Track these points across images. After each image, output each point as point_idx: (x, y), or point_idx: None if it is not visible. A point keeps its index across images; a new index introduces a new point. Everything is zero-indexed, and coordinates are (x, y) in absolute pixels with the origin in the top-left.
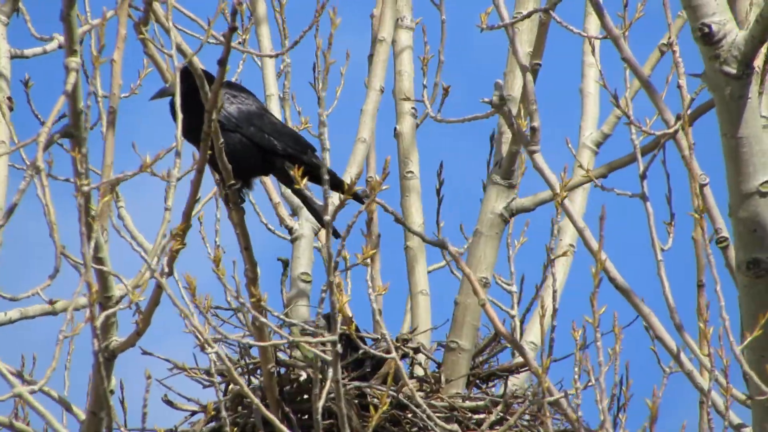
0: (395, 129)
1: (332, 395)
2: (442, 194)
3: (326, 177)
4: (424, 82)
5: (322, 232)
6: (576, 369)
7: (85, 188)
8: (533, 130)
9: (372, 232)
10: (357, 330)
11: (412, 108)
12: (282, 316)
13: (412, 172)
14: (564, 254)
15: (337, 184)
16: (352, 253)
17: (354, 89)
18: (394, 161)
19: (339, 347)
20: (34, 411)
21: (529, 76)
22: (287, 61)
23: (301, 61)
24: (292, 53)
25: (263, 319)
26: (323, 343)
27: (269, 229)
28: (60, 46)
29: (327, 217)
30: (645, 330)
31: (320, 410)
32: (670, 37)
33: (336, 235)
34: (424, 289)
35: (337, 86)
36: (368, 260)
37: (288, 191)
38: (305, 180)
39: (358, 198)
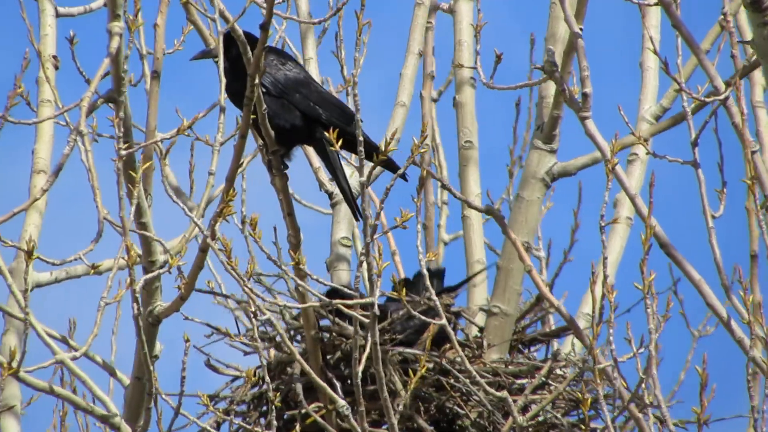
0: (454, 98)
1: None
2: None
3: (361, 138)
4: (477, 48)
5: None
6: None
7: (123, 152)
8: (584, 96)
9: (421, 197)
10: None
11: (471, 78)
12: (321, 280)
13: (470, 141)
14: (615, 221)
15: (372, 152)
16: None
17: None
18: (453, 131)
19: (377, 310)
20: (77, 378)
21: (581, 42)
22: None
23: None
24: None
25: (303, 284)
26: (363, 307)
27: (300, 202)
28: (105, 4)
29: (362, 179)
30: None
31: (360, 374)
32: (724, 8)
33: (356, 216)
34: (481, 258)
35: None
36: (419, 226)
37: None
38: (339, 143)
39: (394, 167)
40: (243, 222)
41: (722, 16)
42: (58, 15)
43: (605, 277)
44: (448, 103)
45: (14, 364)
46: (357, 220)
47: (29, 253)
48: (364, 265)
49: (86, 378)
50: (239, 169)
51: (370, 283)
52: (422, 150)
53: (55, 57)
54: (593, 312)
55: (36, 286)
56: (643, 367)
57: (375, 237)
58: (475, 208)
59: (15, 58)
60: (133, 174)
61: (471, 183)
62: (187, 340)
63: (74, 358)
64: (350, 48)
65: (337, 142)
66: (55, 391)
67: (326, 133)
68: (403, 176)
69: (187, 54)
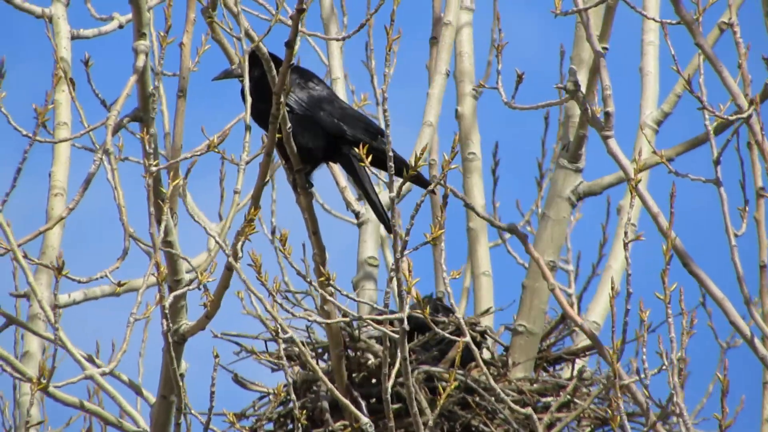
0: (456, 110)
1: (400, 378)
2: (497, 174)
3: (390, 154)
4: (499, 68)
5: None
6: (644, 350)
7: (154, 168)
8: (607, 115)
9: (439, 214)
10: (432, 310)
11: (473, 89)
12: (351, 296)
13: (473, 153)
14: (638, 238)
15: (402, 168)
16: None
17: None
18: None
19: (406, 326)
20: (106, 393)
21: (603, 62)
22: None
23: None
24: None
25: (330, 298)
26: (391, 322)
27: (331, 213)
28: (120, 26)
29: (392, 194)
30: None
31: (389, 390)
32: (730, 18)
33: (389, 230)
34: (487, 270)
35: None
36: (439, 242)
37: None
38: (369, 158)
39: (422, 182)
40: (273, 233)
41: (728, 25)
42: (73, 37)
43: (629, 294)
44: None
45: (43, 380)
46: (389, 232)
47: (59, 269)
48: (394, 281)
49: (116, 393)
50: (265, 185)
51: (399, 299)
52: (453, 166)
53: (71, 80)
54: (612, 327)
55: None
56: (672, 381)
57: (405, 253)
58: (498, 227)
59: (30, 80)
60: (163, 190)
61: (476, 194)
62: (216, 356)
63: (104, 374)
64: (380, 58)
65: (366, 157)
66: (85, 407)
67: (355, 149)
68: (433, 192)
69: (211, 73)
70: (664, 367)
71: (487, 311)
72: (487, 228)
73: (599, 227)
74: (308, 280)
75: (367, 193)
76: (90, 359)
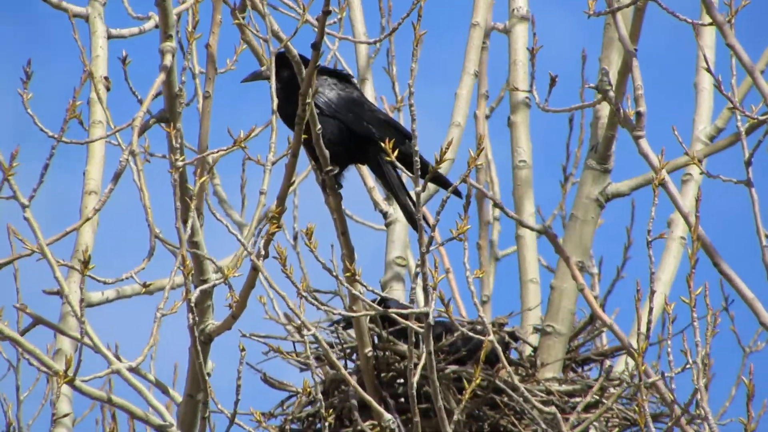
0: (509, 118)
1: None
2: None
3: (416, 148)
4: (533, 72)
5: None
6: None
7: (180, 163)
8: (638, 115)
9: (468, 215)
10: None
11: (526, 98)
12: (378, 292)
13: (524, 161)
14: (661, 236)
15: (426, 170)
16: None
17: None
18: (507, 151)
19: (432, 320)
20: (133, 388)
21: (635, 61)
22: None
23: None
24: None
25: (358, 294)
26: (417, 318)
27: (353, 218)
28: (157, 26)
29: (417, 188)
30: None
31: (414, 384)
32: None
33: (416, 227)
34: (534, 277)
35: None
36: (464, 239)
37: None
38: (395, 153)
39: (447, 183)
40: (295, 238)
41: None
42: (109, 37)
43: (652, 292)
44: (500, 121)
45: (70, 373)
46: (418, 230)
47: (86, 263)
48: (419, 276)
49: (142, 388)
50: (290, 188)
51: (425, 294)
52: (479, 164)
53: (106, 78)
54: (638, 326)
55: (87, 306)
56: (698, 383)
57: (431, 248)
58: (529, 227)
59: (69, 79)
60: (190, 187)
61: (525, 202)
62: (243, 349)
63: (130, 368)
64: (402, 64)
65: (389, 144)
66: (112, 401)
67: (382, 144)
68: (457, 191)
69: (240, 74)
70: (688, 366)
71: (510, 314)
72: (536, 236)
73: (625, 231)
74: (335, 274)
75: (394, 191)
76: (116, 357)
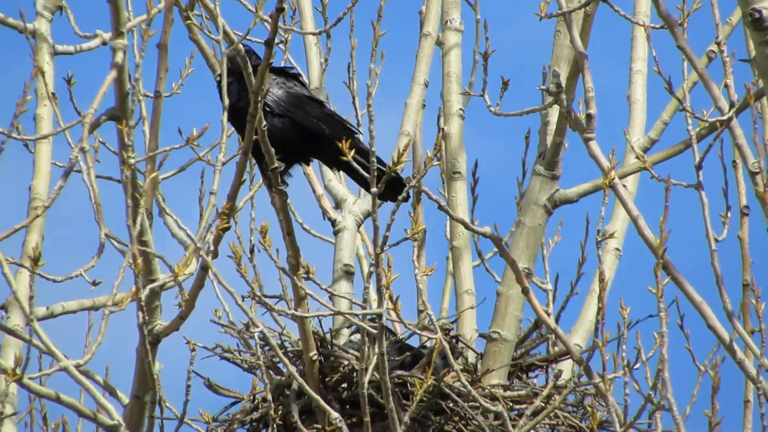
0: (443, 130)
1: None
2: (476, 193)
3: (373, 149)
4: (484, 78)
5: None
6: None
7: (132, 161)
8: (589, 117)
9: (418, 213)
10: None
11: (460, 109)
12: (328, 289)
13: (459, 172)
14: (612, 236)
15: (381, 169)
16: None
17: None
18: (442, 162)
19: (385, 321)
20: (81, 386)
21: (587, 63)
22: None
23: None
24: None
25: (301, 284)
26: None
27: (305, 229)
28: (103, 43)
29: (374, 189)
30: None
31: (366, 385)
32: (718, 38)
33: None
34: (470, 288)
35: (372, 86)
36: (416, 238)
37: (332, 183)
38: (352, 152)
39: (401, 185)
40: (251, 251)
41: (715, 53)
42: (55, 53)
43: (602, 290)
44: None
45: (18, 371)
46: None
47: (35, 260)
48: (373, 277)
49: (90, 386)
50: (241, 186)
51: (378, 294)
52: (435, 163)
53: (53, 95)
54: (594, 330)
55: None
56: (653, 377)
57: (385, 248)
58: (474, 230)
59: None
60: (141, 183)
61: (460, 213)
62: (193, 349)
63: (78, 366)
64: (362, 79)
65: (345, 143)
66: (60, 399)
67: (338, 144)
68: (409, 194)
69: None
70: (635, 367)
71: (456, 320)
72: (471, 247)
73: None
74: (287, 271)
75: (348, 168)
76: (65, 355)
